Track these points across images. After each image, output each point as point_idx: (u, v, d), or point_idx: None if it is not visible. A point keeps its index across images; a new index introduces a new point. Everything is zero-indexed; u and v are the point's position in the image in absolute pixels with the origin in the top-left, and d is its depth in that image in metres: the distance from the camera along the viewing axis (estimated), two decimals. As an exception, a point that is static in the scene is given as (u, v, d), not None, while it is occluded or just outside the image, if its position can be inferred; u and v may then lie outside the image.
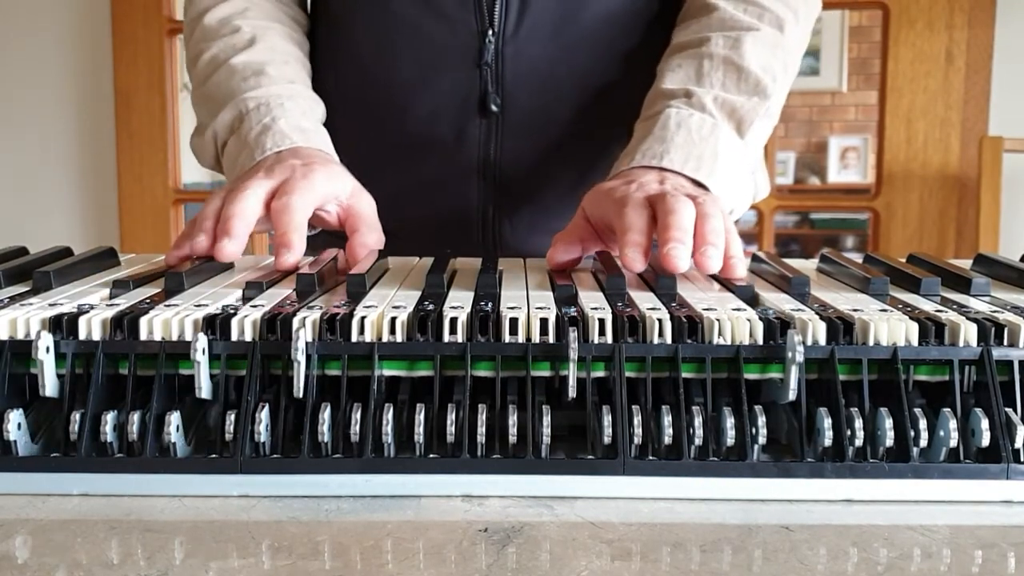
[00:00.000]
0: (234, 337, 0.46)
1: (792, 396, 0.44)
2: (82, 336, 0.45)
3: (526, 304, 0.49)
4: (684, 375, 0.45)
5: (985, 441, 0.44)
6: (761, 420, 0.44)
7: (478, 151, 0.82)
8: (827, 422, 0.44)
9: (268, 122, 0.72)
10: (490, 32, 0.79)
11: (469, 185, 0.84)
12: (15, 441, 0.44)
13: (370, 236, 0.68)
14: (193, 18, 0.81)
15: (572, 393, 0.44)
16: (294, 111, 0.74)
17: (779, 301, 0.51)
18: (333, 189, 0.68)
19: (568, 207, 0.71)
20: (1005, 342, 0.46)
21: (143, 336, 0.45)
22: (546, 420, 0.44)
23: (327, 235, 0.75)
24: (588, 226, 0.66)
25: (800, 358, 0.43)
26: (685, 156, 0.68)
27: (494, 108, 0.81)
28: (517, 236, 0.68)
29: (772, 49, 0.75)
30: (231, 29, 0.78)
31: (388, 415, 0.44)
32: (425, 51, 0.81)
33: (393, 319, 0.46)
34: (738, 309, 0.49)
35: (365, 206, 0.70)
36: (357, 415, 0.44)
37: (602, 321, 0.46)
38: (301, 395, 0.44)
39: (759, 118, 0.73)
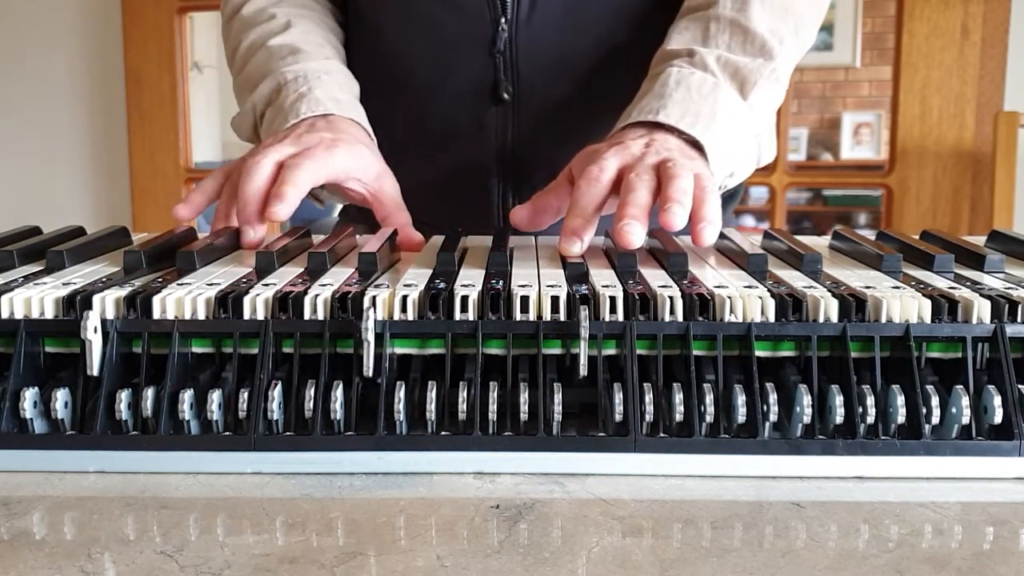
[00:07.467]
0: (246, 316, 0.46)
1: (584, 372, 0.44)
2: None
3: (537, 282, 0.49)
4: (695, 352, 0.45)
5: (998, 418, 0.43)
6: (772, 397, 0.44)
7: (495, 139, 0.84)
8: (839, 399, 0.44)
9: (304, 91, 0.75)
10: (503, 20, 0.80)
11: (487, 173, 0.85)
12: (31, 419, 0.44)
13: (399, 217, 0.70)
14: (230, 14, 0.85)
15: (583, 371, 0.44)
16: (330, 83, 0.77)
17: (791, 278, 0.51)
18: (355, 167, 0.69)
19: None
20: (1019, 319, 0.45)
21: (156, 315, 0.46)
22: (557, 398, 0.44)
23: (358, 210, 0.76)
24: (568, 186, 0.67)
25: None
26: (682, 112, 0.68)
27: (506, 96, 0.82)
28: None
29: (782, 13, 0.75)
30: (267, 16, 0.82)
31: (400, 393, 0.44)
32: (440, 42, 0.82)
33: (404, 297, 0.46)
34: (749, 287, 0.48)
35: (390, 189, 0.72)
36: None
37: (613, 299, 0.46)
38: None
39: (763, 79, 0.73)
